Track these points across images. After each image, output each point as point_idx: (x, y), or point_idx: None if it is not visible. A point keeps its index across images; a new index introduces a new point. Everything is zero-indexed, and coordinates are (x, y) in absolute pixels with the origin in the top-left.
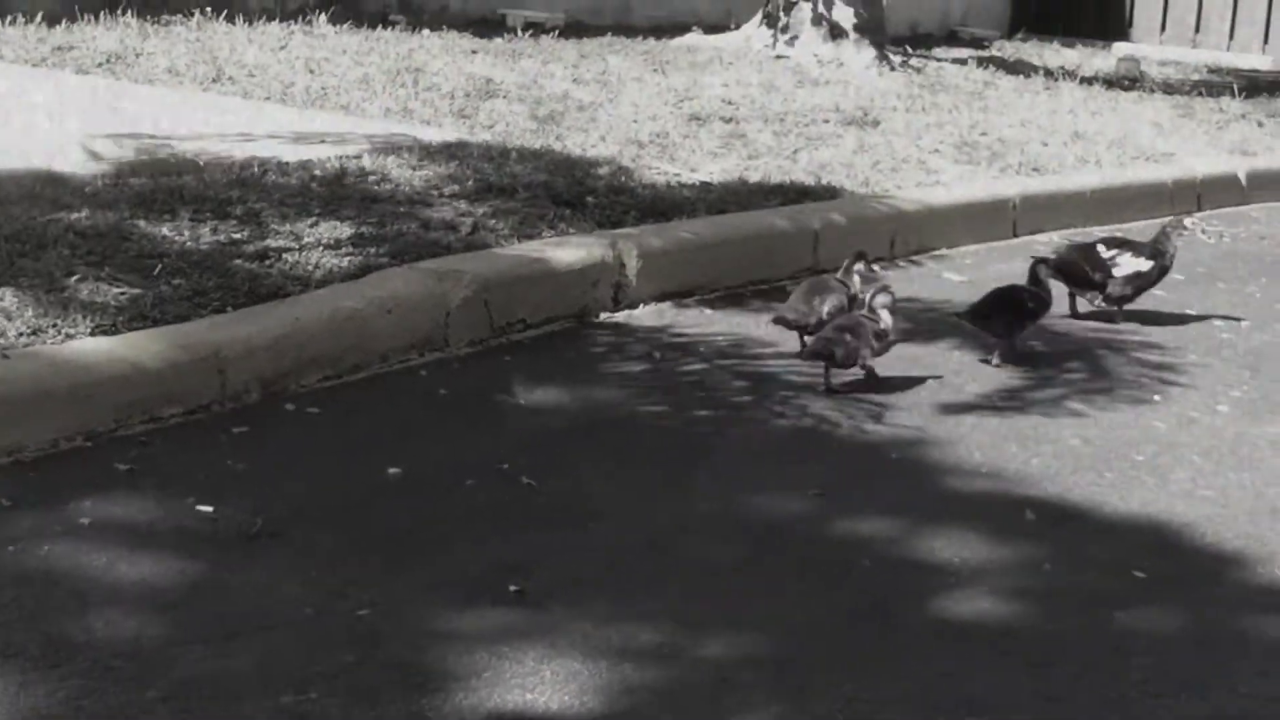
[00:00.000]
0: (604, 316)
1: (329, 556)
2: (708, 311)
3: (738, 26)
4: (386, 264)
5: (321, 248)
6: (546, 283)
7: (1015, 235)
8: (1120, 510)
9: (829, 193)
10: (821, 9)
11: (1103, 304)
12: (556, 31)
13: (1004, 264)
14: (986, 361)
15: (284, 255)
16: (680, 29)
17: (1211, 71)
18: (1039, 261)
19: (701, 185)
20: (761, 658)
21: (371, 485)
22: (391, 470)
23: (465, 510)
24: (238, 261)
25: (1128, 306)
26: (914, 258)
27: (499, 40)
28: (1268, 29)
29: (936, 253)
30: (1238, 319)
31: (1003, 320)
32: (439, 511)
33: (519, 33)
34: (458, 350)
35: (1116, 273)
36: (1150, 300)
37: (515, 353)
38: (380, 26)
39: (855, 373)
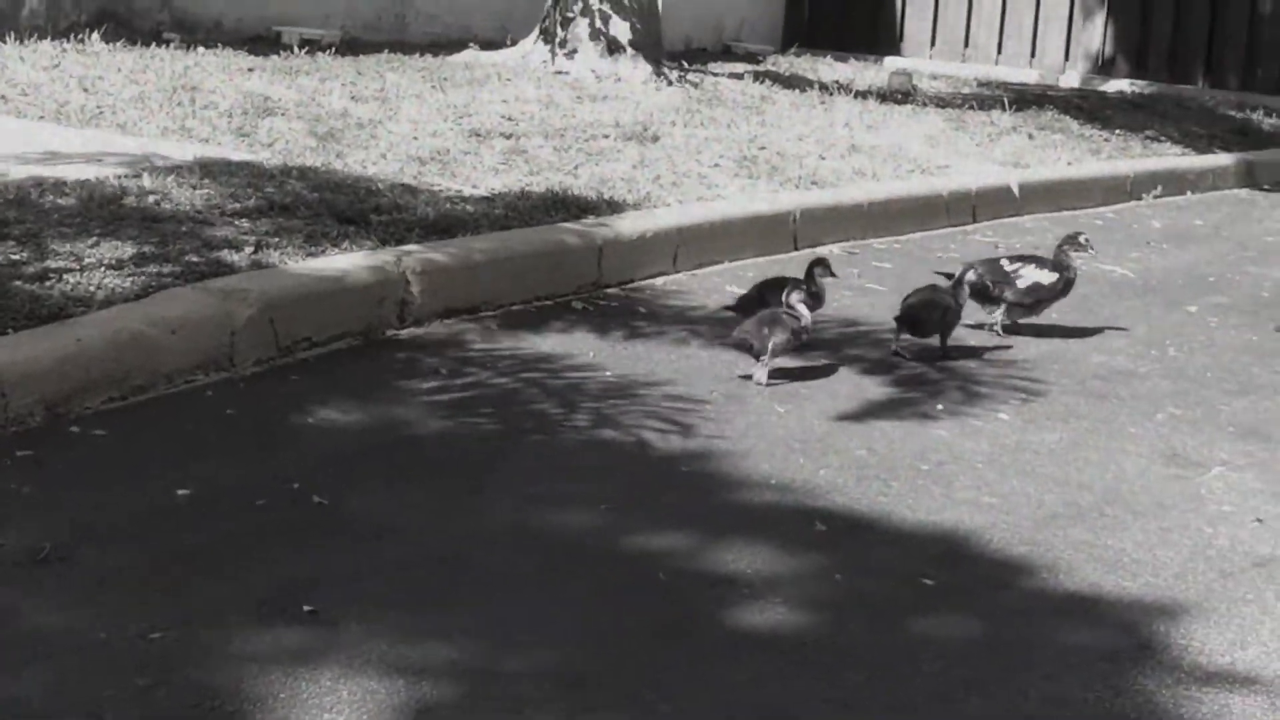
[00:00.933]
0: (390, 334)
1: (120, 579)
2: (494, 328)
3: (515, 43)
4: (170, 284)
5: (103, 268)
6: (332, 301)
7: (796, 248)
8: (908, 519)
9: (612, 207)
10: (599, 24)
11: (1001, 318)
12: (333, 49)
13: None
14: (901, 355)
15: (65, 276)
16: (457, 45)
17: (982, 85)
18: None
19: (485, 201)
20: (560, 673)
21: (161, 506)
22: (181, 491)
23: (257, 530)
24: (17, 283)
25: (1029, 319)
26: (697, 271)
27: (275, 58)
28: (1034, 43)
29: (719, 266)
30: (1013, 329)
31: (933, 322)
32: (230, 532)
33: (295, 50)
34: (244, 370)
35: (1019, 284)
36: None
37: (302, 372)
38: (154, 44)
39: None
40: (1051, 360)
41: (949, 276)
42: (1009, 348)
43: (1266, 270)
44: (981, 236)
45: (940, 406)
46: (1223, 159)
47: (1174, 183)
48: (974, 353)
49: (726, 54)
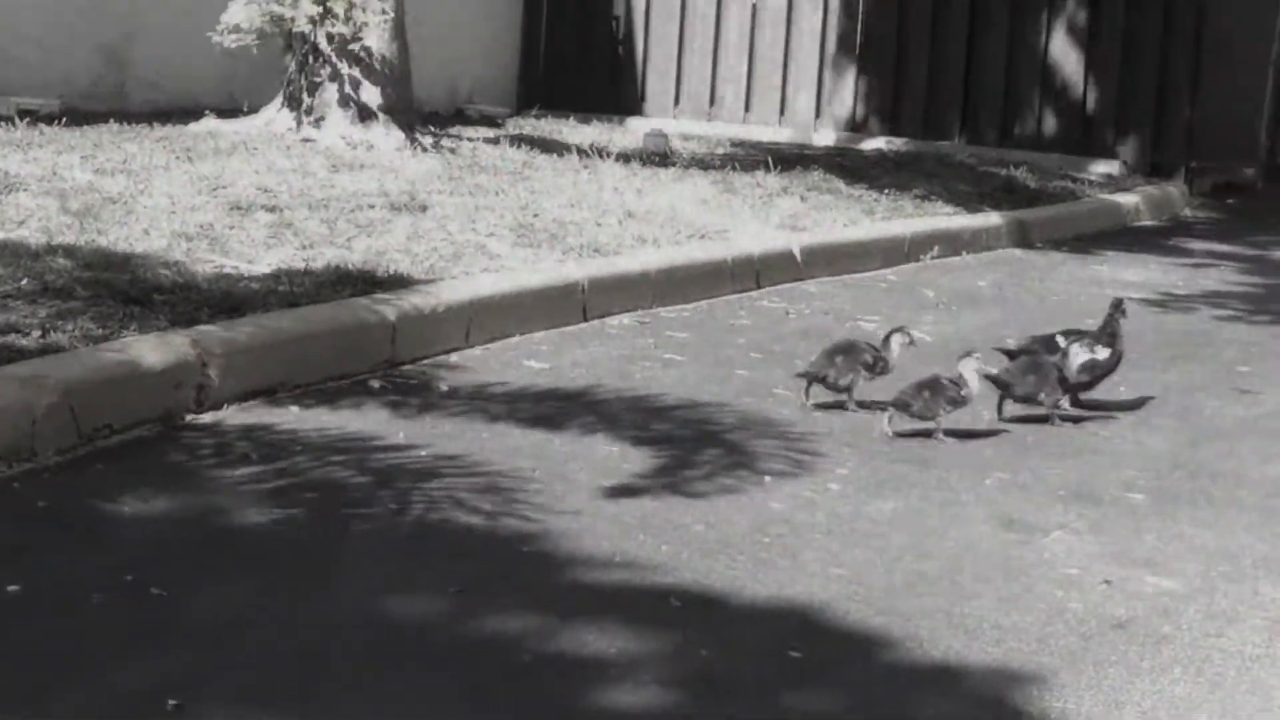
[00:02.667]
0: (191, 419)
1: None
2: (295, 409)
3: (248, 111)
4: None
5: None
6: (130, 386)
7: (586, 319)
8: (760, 594)
9: (398, 282)
10: (349, 90)
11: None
12: (55, 119)
13: (581, 349)
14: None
15: None
16: (183, 114)
17: (735, 145)
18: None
19: (270, 278)
20: None
21: None
22: (11, 588)
23: (102, 626)
24: None
25: (1085, 395)
26: (489, 346)
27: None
28: (784, 101)
29: (512, 340)
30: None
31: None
32: (75, 629)
33: (16, 121)
34: (47, 460)
35: (1072, 362)
36: (736, 382)
37: (107, 460)
38: None
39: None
40: (868, 428)
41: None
42: (819, 420)
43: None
44: (769, 302)
45: (767, 479)
46: (994, 218)
47: (950, 243)
48: (791, 423)
49: (460, 117)
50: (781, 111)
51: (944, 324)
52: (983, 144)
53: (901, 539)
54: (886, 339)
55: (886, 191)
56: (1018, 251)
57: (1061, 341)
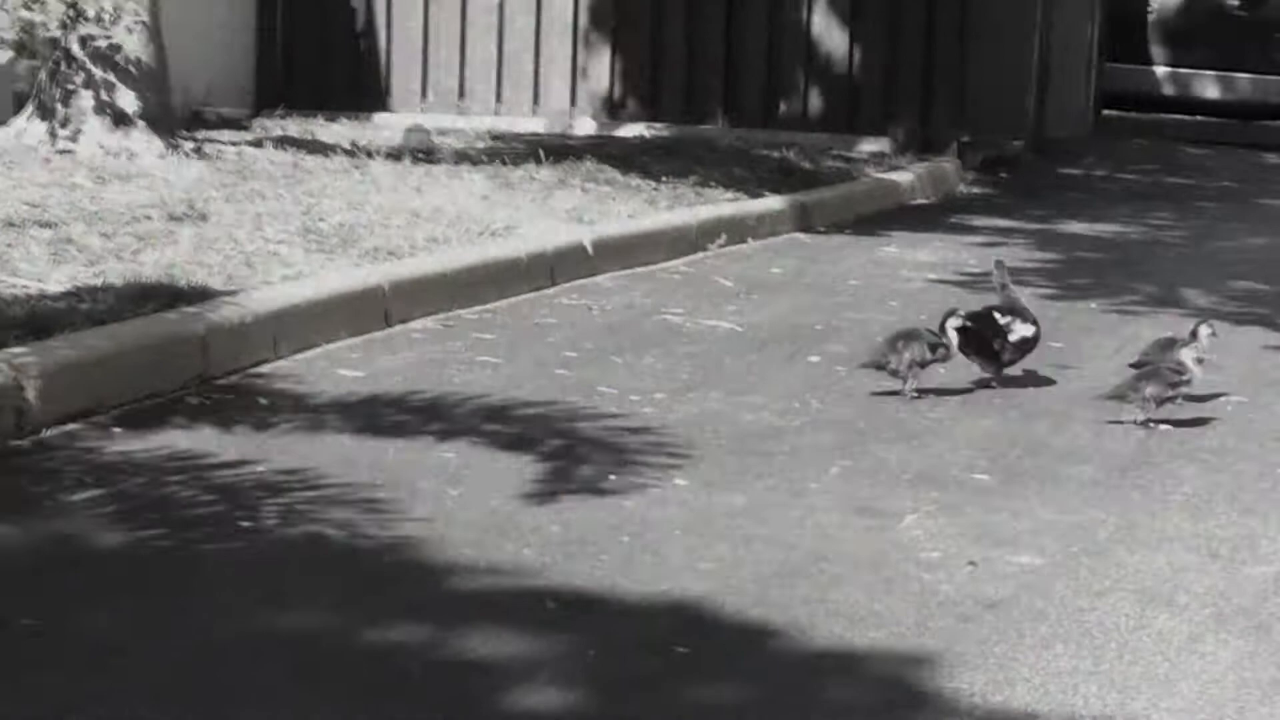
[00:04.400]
0: (14, 444)
1: None
2: (118, 430)
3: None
4: None
5: None
6: None
7: (388, 325)
8: (633, 591)
9: (201, 294)
10: (105, 96)
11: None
12: None
13: (391, 356)
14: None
15: None
16: None
17: (495, 138)
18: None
19: (69, 296)
20: None
21: None
22: None
23: None
24: None
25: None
26: (298, 356)
27: None
28: (537, 90)
29: (320, 349)
30: (652, 392)
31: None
32: None
33: None
34: None
35: (1011, 338)
36: (557, 381)
37: None
38: None
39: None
40: (702, 422)
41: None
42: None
43: (867, 315)
44: (568, 299)
45: (612, 477)
46: (776, 202)
47: (735, 230)
48: (623, 419)
49: (199, 120)
50: (535, 101)
51: (751, 313)
52: (748, 126)
53: (760, 530)
54: (943, 325)
55: (664, 180)
56: (802, 236)
57: (1000, 318)
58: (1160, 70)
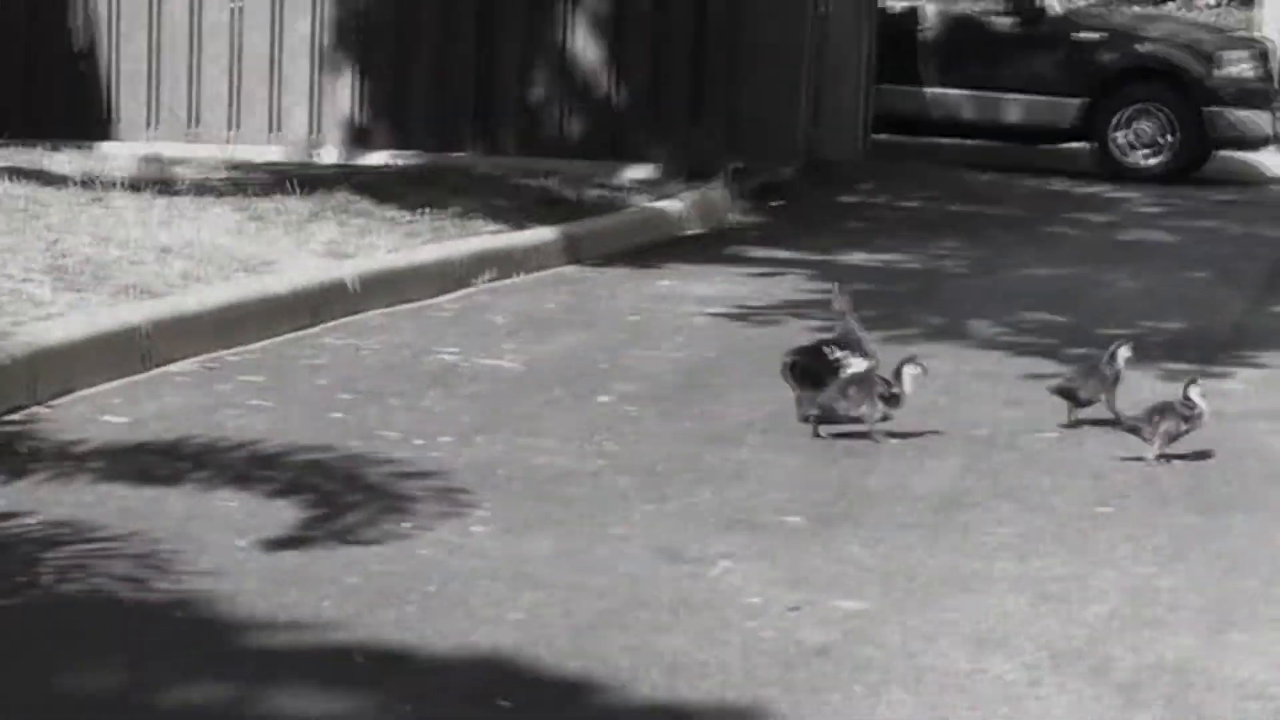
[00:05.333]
0: None
1: None
2: None
3: None
4: None
5: None
6: None
7: (147, 367)
8: (443, 644)
9: None
10: None
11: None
12: None
13: (155, 400)
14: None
15: None
16: None
17: (233, 168)
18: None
19: None
20: None
21: None
22: None
23: None
24: None
25: None
26: (57, 402)
27: None
28: (276, 117)
29: (80, 393)
30: (435, 435)
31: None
32: None
33: None
34: None
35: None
36: (334, 425)
37: None
38: None
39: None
40: (493, 465)
41: None
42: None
43: (654, 353)
44: (333, 339)
45: (405, 524)
46: (544, 234)
47: (503, 264)
48: (409, 464)
49: None
50: (274, 128)
51: (531, 351)
52: (502, 153)
53: (568, 578)
54: (898, 372)
55: (422, 211)
56: (571, 269)
57: (830, 352)
58: (931, 92)
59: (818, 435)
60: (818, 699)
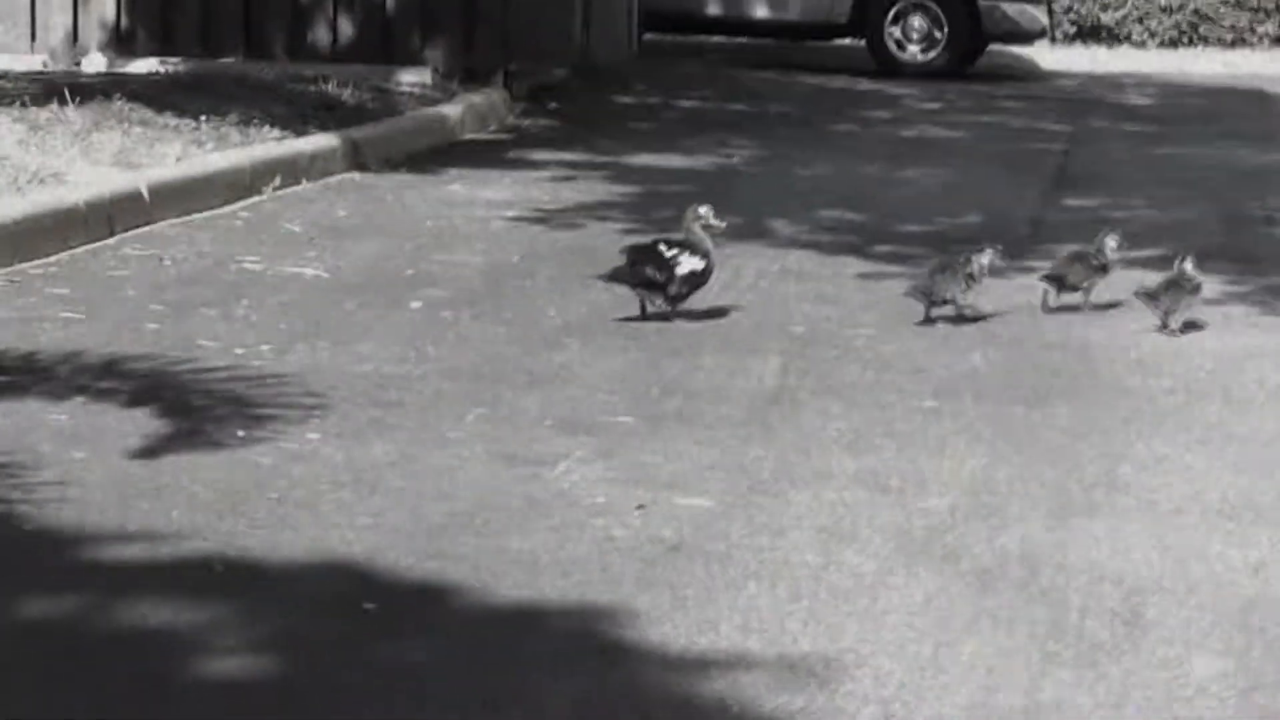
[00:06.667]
0: None
1: None
2: None
3: None
4: None
5: None
6: None
7: None
8: (298, 550)
9: None
10: None
11: (664, 305)
12: None
13: None
14: None
15: None
16: None
17: None
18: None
19: None
20: None
21: None
22: None
23: None
24: None
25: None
26: None
27: None
28: (34, 22)
29: None
30: (256, 345)
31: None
32: None
33: None
34: None
35: (678, 271)
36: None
37: None
38: None
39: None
40: (318, 373)
41: None
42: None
43: (459, 258)
44: (133, 250)
45: (241, 433)
46: (326, 140)
47: (289, 171)
48: (234, 372)
49: None
50: (33, 36)
51: (333, 259)
52: (271, 58)
53: (412, 483)
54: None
55: (203, 119)
56: (357, 175)
57: (665, 250)
58: None
59: (929, 320)
60: (676, 595)
